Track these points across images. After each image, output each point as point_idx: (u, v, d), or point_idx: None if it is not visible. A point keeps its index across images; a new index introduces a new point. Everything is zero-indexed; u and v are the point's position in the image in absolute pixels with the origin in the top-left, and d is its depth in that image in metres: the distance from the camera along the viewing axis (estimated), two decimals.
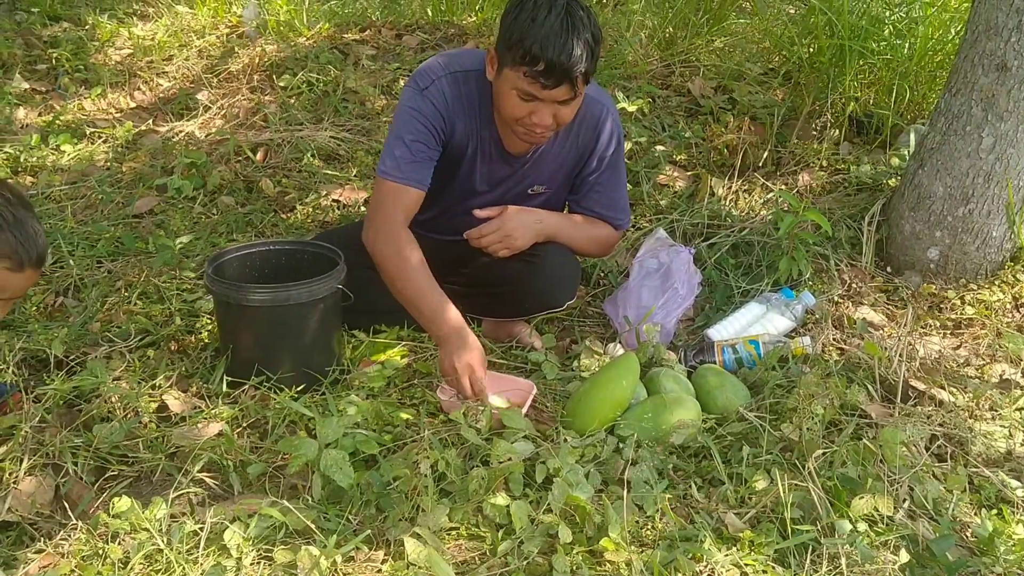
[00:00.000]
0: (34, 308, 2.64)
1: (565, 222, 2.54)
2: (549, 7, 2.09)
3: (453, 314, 2.20)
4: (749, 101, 3.75)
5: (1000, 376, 2.44)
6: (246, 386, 2.23)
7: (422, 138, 2.31)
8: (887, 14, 3.63)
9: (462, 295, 2.59)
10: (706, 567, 1.71)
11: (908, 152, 3.26)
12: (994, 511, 1.94)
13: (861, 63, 3.58)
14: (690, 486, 1.94)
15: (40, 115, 4.05)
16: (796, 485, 1.88)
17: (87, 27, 4.68)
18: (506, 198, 2.55)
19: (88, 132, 3.89)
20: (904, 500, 1.90)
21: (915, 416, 2.18)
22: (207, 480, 1.93)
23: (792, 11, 4.41)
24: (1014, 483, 2.02)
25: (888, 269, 2.92)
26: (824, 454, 1.98)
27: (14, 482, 1.87)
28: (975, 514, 1.94)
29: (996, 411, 2.28)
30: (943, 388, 2.33)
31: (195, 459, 1.94)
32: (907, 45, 3.51)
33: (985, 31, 2.66)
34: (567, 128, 2.41)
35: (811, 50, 3.73)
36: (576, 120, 2.39)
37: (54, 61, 4.37)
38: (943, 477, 2.01)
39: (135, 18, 4.87)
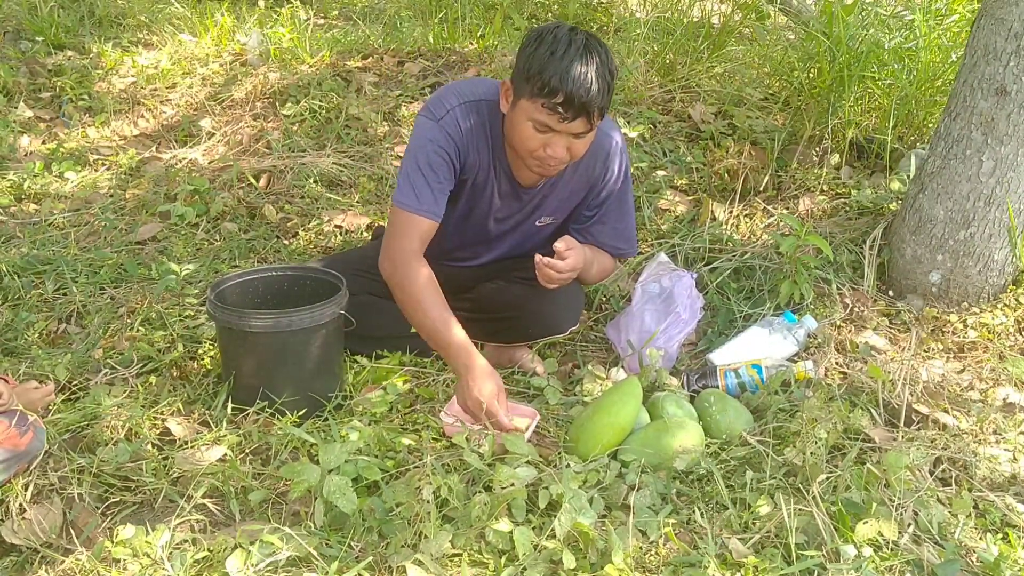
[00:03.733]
0: (37, 335, 2.64)
1: (590, 254, 2.52)
2: (568, 41, 2.11)
3: (470, 346, 2.20)
4: (749, 126, 3.77)
5: (1004, 400, 2.43)
6: (248, 412, 2.23)
7: (438, 168, 2.30)
8: (887, 39, 3.65)
9: (466, 320, 2.59)
10: None
11: (908, 176, 3.27)
12: (999, 535, 1.93)
13: (861, 88, 3.60)
14: (693, 511, 1.93)
15: (44, 143, 4.08)
16: (800, 510, 1.87)
17: (91, 56, 4.71)
18: (515, 230, 2.57)
19: (91, 160, 3.91)
20: (909, 525, 1.89)
21: (919, 440, 2.18)
22: (209, 506, 1.93)
23: (792, 37, 4.43)
24: (1019, 507, 2.01)
25: (890, 293, 2.92)
26: (828, 478, 1.97)
27: (21, 509, 1.87)
28: (980, 539, 1.93)
29: (1000, 435, 2.27)
30: (947, 412, 2.33)
31: (197, 485, 1.94)
32: (907, 70, 3.53)
33: (984, 55, 2.67)
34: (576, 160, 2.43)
35: (811, 75, 3.75)
36: (586, 152, 2.40)
37: (58, 89, 4.40)
38: (948, 501, 2.00)
39: (139, 47, 4.90)
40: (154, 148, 4.05)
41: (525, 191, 2.46)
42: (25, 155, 3.95)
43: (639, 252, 3.13)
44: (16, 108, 4.23)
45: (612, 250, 2.62)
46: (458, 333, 2.20)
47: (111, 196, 3.62)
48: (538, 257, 2.32)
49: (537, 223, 2.56)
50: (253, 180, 3.64)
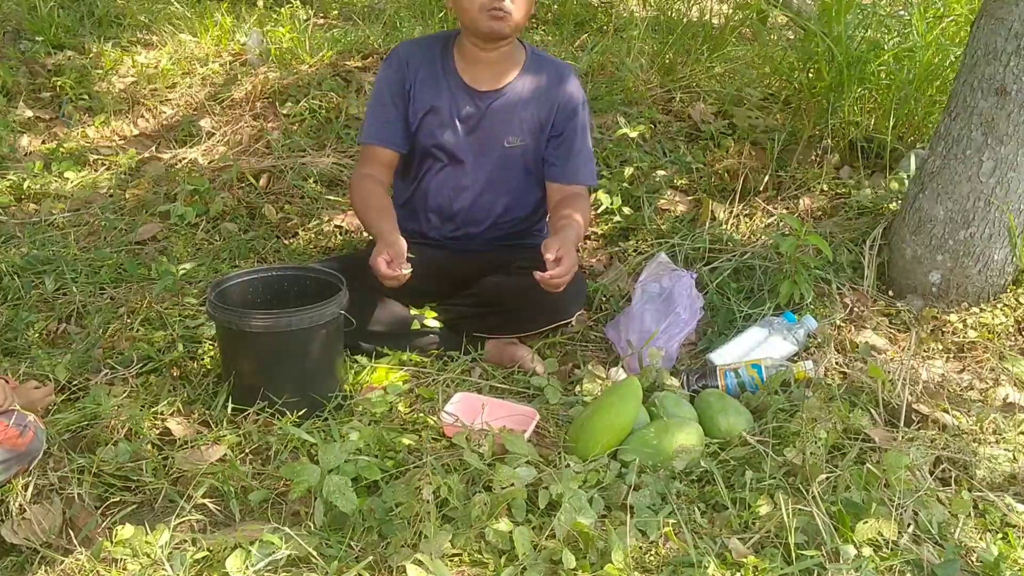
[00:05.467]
0: (37, 335, 2.64)
1: (575, 232, 2.54)
2: None
3: (384, 234, 2.45)
4: (749, 126, 3.76)
5: (1004, 400, 2.43)
6: (248, 412, 2.23)
7: (385, 100, 2.65)
8: (886, 39, 3.65)
9: (471, 315, 2.60)
10: None
11: (908, 176, 3.27)
12: (999, 535, 1.93)
13: (860, 88, 3.60)
14: (693, 511, 1.93)
15: (44, 143, 4.07)
16: (800, 510, 1.87)
17: (91, 55, 4.71)
18: (485, 155, 2.67)
19: (91, 159, 3.90)
20: (908, 525, 1.89)
21: (919, 440, 2.18)
22: (209, 506, 1.93)
23: (791, 36, 4.44)
24: (1019, 507, 2.01)
25: (890, 293, 2.92)
26: (828, 478, 1.97)
27: (21, 509, 1.87)
28: (980, 538, 1.93)
29: (1000, 435, 2.27)
30: (946, 412, 2.33)
31: (197, 485, 1.94)
32: (906, 70, 3.52)
33: (984, 55, 2.67)
34: (533, 77, 2.64)
35: (810, 75, 3.75)
36: (541, 72, 2.67)
37: (58, 89, 4.39)
38: (947, 501, 2.00)
39: (139, 46, 4.89)
40: (154, 148, 4.05)
41: (482, 96, 2.62)
42: (25, 155, 3.94)
43: (639, 252, 3.12)
44: (16, 108, 4.22)
45: (585, 179, 2.73)
46: (382, 225, 2.49)
47: (111, 196, 3.61)
48: (537, 274, 2.35)
49: (506, 143, 2.66)
50: (253, 180, 3.64)
